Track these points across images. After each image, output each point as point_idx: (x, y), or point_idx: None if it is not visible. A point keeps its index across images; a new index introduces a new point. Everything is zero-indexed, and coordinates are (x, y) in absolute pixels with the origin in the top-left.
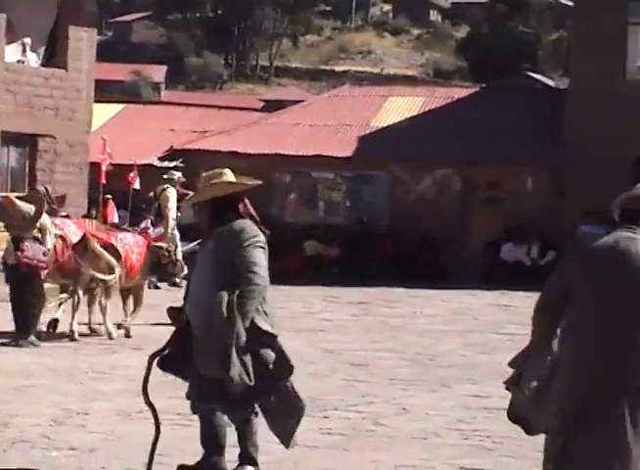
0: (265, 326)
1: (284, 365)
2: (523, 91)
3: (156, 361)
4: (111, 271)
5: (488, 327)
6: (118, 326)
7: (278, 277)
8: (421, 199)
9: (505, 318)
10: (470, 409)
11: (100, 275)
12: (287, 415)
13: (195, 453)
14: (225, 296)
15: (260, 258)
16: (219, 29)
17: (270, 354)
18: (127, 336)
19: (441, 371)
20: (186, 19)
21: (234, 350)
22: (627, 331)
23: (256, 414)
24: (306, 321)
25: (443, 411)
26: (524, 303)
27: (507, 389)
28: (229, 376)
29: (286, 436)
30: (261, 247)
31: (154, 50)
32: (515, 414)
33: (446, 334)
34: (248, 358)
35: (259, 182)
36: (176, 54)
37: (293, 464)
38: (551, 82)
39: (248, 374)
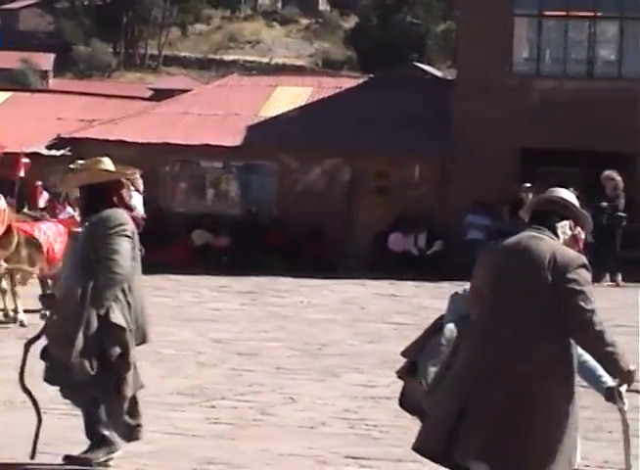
0: (118, 319)
1: (125, 362)
2: (411, 81)
3: (39, 352)
4: (31, 263)
5: (376, 316)
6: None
7: (166, 267)
8: (309, 189)
9: (392, 308)
10: (356, 399)
11: (23, 266)
12: (123, 409)
13: (81, 443)
14: (81, 282)
15: (123, 247)
16: (108, 18)
17: (115, 349)
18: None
19: (329, 360)
20: (74, 7)
21: (80, 336)
22: (525, 325)
23: (96, 402)
24: (195, 311)
25: (330, 401)
26: (411, 292)
27: (399, 378)
28: (70, 361)
29: (126, 431)
30: (127, 236)
31: (42, 38)
32: (410, 405)
33: (334, 323)
34: (93, 347)
35: (136, 172)
36: (64, 42)
37: (178, 454)
38: (439, 73)
39: (90, 363)
